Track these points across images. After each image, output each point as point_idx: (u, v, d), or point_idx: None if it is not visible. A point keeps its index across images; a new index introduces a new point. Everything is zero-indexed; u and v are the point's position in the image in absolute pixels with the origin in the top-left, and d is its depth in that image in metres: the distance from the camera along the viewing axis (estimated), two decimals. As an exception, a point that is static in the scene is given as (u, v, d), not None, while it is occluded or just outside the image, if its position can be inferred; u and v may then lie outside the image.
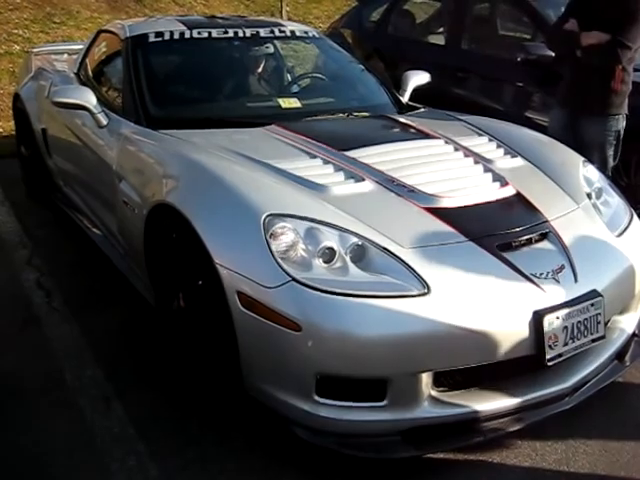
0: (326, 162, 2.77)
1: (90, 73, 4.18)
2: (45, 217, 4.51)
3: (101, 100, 3.51)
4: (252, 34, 3.86)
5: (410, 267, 2.26)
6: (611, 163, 3.97)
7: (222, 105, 3.55)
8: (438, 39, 5.73)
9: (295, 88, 3.96)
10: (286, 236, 2.26)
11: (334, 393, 2.19)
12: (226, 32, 3.80)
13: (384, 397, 2.19)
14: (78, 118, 3.69)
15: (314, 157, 2.81)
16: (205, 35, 3.75)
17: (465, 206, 2.61)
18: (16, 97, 4.92)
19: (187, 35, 3.73)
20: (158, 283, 2.87)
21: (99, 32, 4.39)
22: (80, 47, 4.79)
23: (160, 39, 3.69)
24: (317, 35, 4.25)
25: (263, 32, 3.92)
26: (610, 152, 3.95)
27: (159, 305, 2.91)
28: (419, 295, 2.20)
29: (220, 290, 2.30)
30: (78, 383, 2.74)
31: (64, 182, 4.25)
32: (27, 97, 4.66)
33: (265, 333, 2.20)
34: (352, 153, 2.85)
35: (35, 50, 5.46)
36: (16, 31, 10.01)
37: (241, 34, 3.83)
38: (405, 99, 3.95)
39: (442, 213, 2.54)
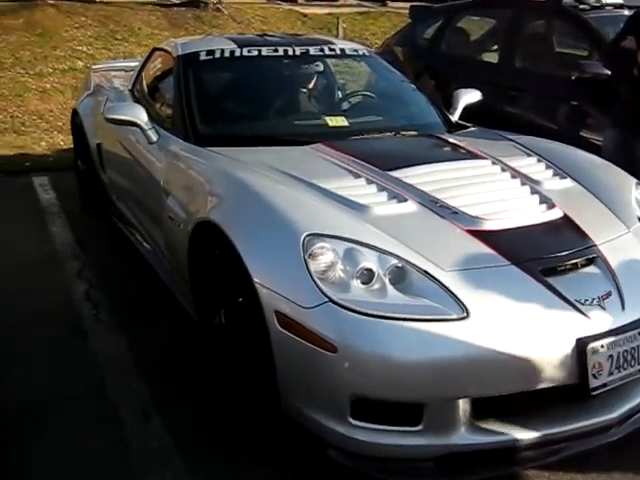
0: (370, 182, 2.76)
1: (144, 90, 4.27)
2: (98, 230, 4.61)
3: (153, 117, 3.58)
4: (302, 52, 3.88)
5: (449, 290, 2.23)
6: (667, 185, 3.84)
7: (270, 123, 3.57)
8: (492, 57, 5.67)
9: (343, 106, 3.95)
10: (325, 256, 2.26)
11: (369, 416, 2.17)
12: (276, 50, 3.83)
13: (420, 422, 2.16)
14: (130, 134, 3.77)
15: (358, 177, 2.81)
16: (255, 53, 3.79)
17: (509, 229, 2.56)
18: (74, 113, 5.06)
19: (237, 53, 3.77)
20: (201, 299, 2.90)
21: (154, 50, 4.49)
22: (136, 64, 4.90)
23: (211, 57, 3.75)
24: (367, 53, 4.24)
25: (313, 50, 3.94)
26: (666, 174, 3.83)
27: (201, 320, 2.94)
28: (458, 319, 2.17)
29: (258, 309, 2.31)
30: (119, 396, 2.78)
31: (117, 196, 4.34)
32: (84, 113, 4.80)
33: (301, 353, 2.20)
34: (396, 173, 2.83)
35: (95, 67, 5.63)
36: (80, 48, 10.36)
37: (291, 52, 3.85)
38: (455, 118, 3.91)
39: (485, 236, 2.49)
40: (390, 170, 2.85)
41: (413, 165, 2.91)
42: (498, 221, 2.57)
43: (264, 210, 2.50)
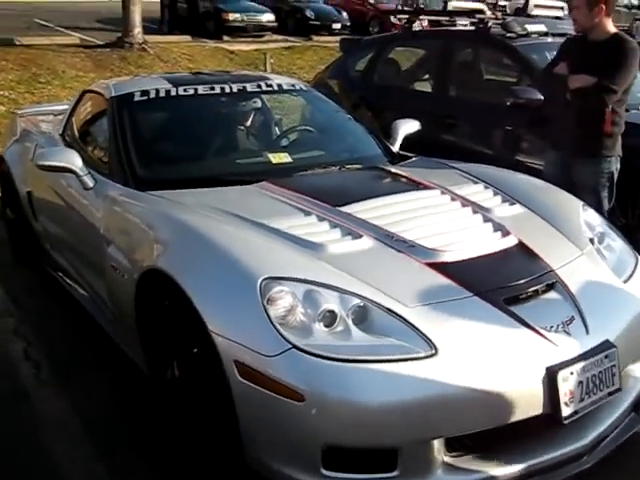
0: (321, 219, 2.69)
1: (76, 134, 4.10)
2: (32, 282, 4.38)
3: (87, 161, 3.41)
4: (239, 89, 3.80)
5: (415, 327, 2.16)
6: (606, 206, 3.91)
7: (211, 163, 3.46)
8: (424, 86, 5.73)
9: (285, 142, 3.88)
10: (284, 300, 2.16)
11: (342, 465, 2.07)
12: (212, 88, 3.74)
13: (395, 467, 2.07)
14: (64, 180, 3.60)
15: (308, 214, 2.73)
16: (191, 92, 3.69)
17: (467, 259, 2.52)
18: (0, 160, 4.83)
19: (173, 93, 3.66)
20: (151, 351, 2.75)
21: (84, 92, 4.33)
22: (65, 107, 4.73)
23: (146, 98, 3.63)
24: (304, 87, 4.21)
25: (250, 87, 3.86)
26: (604, 194, 3.90)
27: (152, 373, 2.78)
28: (426, 357, 2.10)
29: (216, 359, 2.18)
30: (71, 465, 2.58)
31: (51, 245, 4.14)
32: (12, 160, 4.57)
33: (266, 404, 2.08)
34: (347, 208, 2.76)
35: (20, 112, 5.40)
36: (1, 92, 10.05)
37: (228, 90, 3.76)
38: (395, 148, 3.89)
39: (444, 268, 2.45)
40: (340, 206, 2.78)
41: (363, 199, 2.86)
42: (455, 252, 2.53)
43: (216, 255, 2.39)
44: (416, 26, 5.85)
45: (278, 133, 4.07)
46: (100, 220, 3.17)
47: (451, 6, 9.27)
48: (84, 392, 3.09)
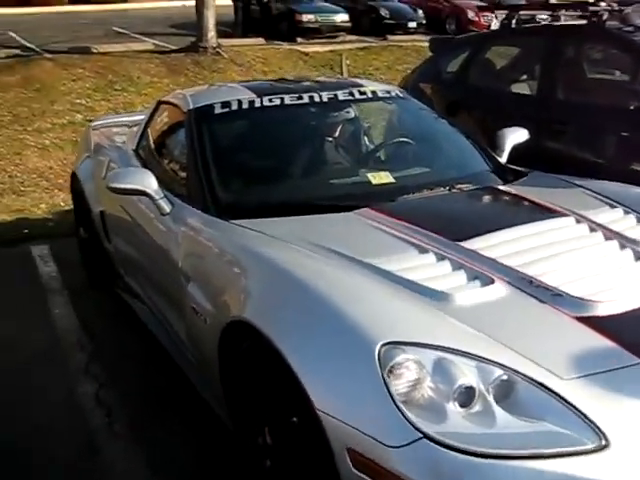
0: (441, 258, 2.24)
1: (150, 150, 3.76)
2: (106, 309, 4.08)
3: (163, 182, 3.06)
4: (329, 98, 3.37)
5: (577, 409, 1.69)
6: None
7: (304, 186, 3.02)
8: (527, 88, 5.17)
9: (383, 158, 3.43)
10: (410, 372, 1.72)
11: None
12: (300, 97, 3.32)
13: None
14: (139, 202, 3.26)
15: (424, 251, 2.28)
16: (277, 102, 3.28)
17: (627, 312, 2.03)
18: (73, 177, 4.57)
19: (257, 104, 3.26)
20: (237, 410, 2.36)
21: (159, 103, 3.99)
22: (140, 118, 4.42)
23: (227, 110, 3.24)
24: (401, 94, 3.73)
25: (341, 95, 3.42)
26: None
27: (239, 435, 2.39)
28: (595, 450, 1.62)
29: (323, 442, 1.76)
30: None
31: (125, 270, 3.83)
32: (84, 177, 4.30)
33: (389, 506, 1.65)
34: (470, 244, 2.30)
35: (93, 124, 5.13)
36: (78, 100, 10.05)
37: (317, 99, 3.33)
38: (503, 161, 3.41)
39: (601, 324, 1.96)
40: (461, 240, 2.33)
41: (487, 232, 2.39)
42: (611, 303, 2.04)
43: (319, 310, 1.96)
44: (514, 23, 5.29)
45: (375, 148, 3.60)
46: (178, 251, 2.81)
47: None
48: (163, 447, 2.74)
